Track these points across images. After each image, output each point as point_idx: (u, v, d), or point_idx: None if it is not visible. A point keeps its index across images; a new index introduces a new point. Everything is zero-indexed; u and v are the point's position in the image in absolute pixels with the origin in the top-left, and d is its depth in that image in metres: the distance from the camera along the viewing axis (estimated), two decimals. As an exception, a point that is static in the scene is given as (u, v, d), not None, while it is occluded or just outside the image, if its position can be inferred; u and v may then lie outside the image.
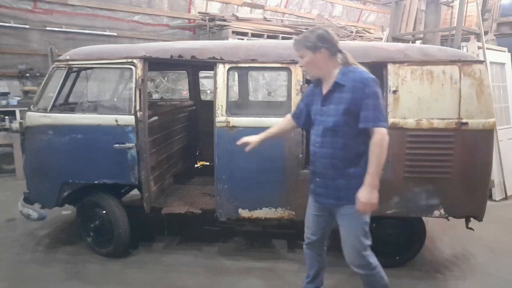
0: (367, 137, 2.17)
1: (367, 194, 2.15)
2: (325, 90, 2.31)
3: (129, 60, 3.24)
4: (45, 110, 3.36)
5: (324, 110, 2.30)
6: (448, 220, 3.21)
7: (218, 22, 9.20)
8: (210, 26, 9.41)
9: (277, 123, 2.75)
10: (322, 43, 2.20)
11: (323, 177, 2.35)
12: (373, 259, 2.38)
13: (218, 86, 3.16)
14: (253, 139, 2.67)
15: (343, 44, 2.36)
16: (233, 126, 3.14)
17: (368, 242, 2.35)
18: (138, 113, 3.19)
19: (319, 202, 2.46)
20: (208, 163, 5.12)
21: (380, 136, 2.12)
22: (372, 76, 2.19)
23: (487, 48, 5.45)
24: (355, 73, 2.21)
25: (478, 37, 5.93)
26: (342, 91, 2.21)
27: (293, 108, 3.08)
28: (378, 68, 3.11)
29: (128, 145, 3.20)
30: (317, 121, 2.34)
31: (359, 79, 2.17)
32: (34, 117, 3.36)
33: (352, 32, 10.95)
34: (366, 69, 2.27)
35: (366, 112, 2.14)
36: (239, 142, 2.72)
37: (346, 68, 2.25)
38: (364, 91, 2.14)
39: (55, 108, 3.41)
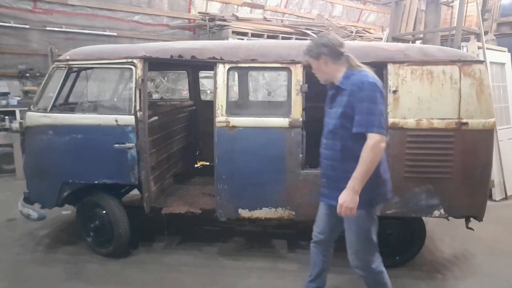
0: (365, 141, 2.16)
1: (345, 197, 2.15)
2: (331, 93, 2.37)
3: (129, 60, 3.24)
4: (45, 110, 3.36)
5: (330, 112, 2.35)
6: (448, 220, 3.21)
7: (218, 22, 9.20)
8: (210, 26, 9.41)
9: None
10: (322, 50, 2.24)
11: (327, 178, 2.39)
12: (377, 264, 2.38)
13: (218, 86, 3.16)
14: None
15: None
16: (233, 126, 3.14)
17: (371, 246, 2.34)
18: (138, 113, 3.19)
19: (324, 202, 2.48)
20: (208, 163, 5.12)
21: (371, 142, 2.09)
22: (371, 80, 2.16)
23: (487, 48, 5.45)
24: (356, 76, 2.21)
25: (478, 37, 5.93)
26: (342, 95, 2.23)
27: (293, 108, 3.09)
28: (378, 68, 3.11)
29: (128, 145, 3.20)
30: (325, 123, 2.40)
31: (356, 82, 2.17)
32: (34, 117, 3.36)
33: (352, 32, 10.95)
34: (370, 71, 2.24)
35: (359, 116, 2.13)
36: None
37: (350, 71, 2.25)
38: (359, 95, 2.13)
39: (55, 108, 3.41)
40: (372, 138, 2.09)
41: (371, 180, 2.16)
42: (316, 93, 3.97)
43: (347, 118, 2.19)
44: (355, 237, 2.34)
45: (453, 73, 2.97)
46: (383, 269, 2.43)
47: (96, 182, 3.33)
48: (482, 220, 3.14)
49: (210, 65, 3.24)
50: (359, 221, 2.27)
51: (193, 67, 5.01)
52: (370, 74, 2.21)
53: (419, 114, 2.97)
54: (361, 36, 11.04)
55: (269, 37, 9.46)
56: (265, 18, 10.64)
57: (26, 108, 3.57)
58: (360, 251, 2.35)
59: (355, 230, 2.33)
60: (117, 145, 3.21)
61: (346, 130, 2.21)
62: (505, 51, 5.92)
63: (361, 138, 2.15)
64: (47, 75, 3.49)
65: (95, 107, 3.75)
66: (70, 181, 3.36)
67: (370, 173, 2.12)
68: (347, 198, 2.14)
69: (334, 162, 2.30)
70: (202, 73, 5.81)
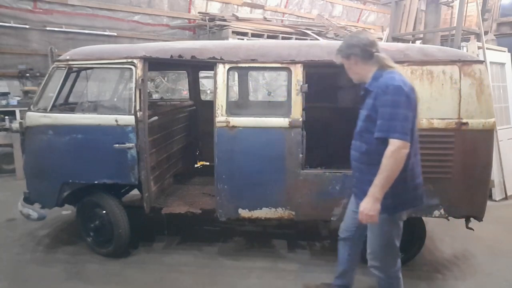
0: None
1: (365, 204, 2.12)
2: (362, 93, 2.35)
3: (129, 60, 3.24)
4: (45, 110, 3.36)
5: (360, 113, 2.34)
6: (448, 220, 3.21)
7: (218, 22, 9.20)
8: (210, 26, 9.41)
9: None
10: (351, 50, 2.23)
11: (355, 178, 2.40)
12: (395, 270, 2.36)
13: (218, 86, 3.16)
14: None
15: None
16: (233, 126, 3.14)
17: (391, 250, 2.31)
18: (138, 113, 3.19)
19: (355, 200, 2.48)
20: (208, 163, 5.12)
21: (392, 148, 2.02)
22: (396, 83, 2.07)
23: (487, 48, 5.45)
24: (383, 78, 2.15)
25: (478, 37, 5.93)
26: (370, 97, 2.20)
27: (293, 108, 3.10)
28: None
29: (128, 145, 3.20)
30: (357, 124, 2.37)
31: (381, 85, 2.11)
32: (34, 117, 3.36)
33: (352, 32, 10.94)
34: (400, 73, 2.19)
35: (381, 121, 2.08)
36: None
37: (380, 72, 2.20)
38: (382, 99, 2.08)
39: (55, 108, 3.41)
40: (393, 144, 2.02)
41: (395, 186, 2.10)
42: (316, 93, 3.99)
43: (372, 121, 2.15)
44: (376, 239, 2.32)
45: (453, 73, 2.97)
46: (400, 276, 2.40)
47: (96, 182, 3.33)
48: (482, 220, 3.14)
49: (210, 65, 3.24)
50: (381, 225, 2.22)
51: (193, 67, 5.01)
52: (397, 76, 2.14)
53: (419, 114, 2.95)
54: (361, 36, 11.02)
55: (269, 37, 9.46)
56: (265, 18, 10.64)
57: (26, 108, 3.57)
58: (379, 253, 2.33)
59: (376, 232, 2.30)
60: (117, 145, 3.21)
61: (371, 133, 2.16)
62: (505, 51, 5.92)
63: (385, 143, 2.08)
64: (47, 75, 3.49)
65: (95, 107, 3.75)
66: (70, 181, 3.36)
67: (391, 180, 2.05)
68: (367, 205, 2.11)
69: (360, 164, 2.29)
70: (202, 73, 5.81)
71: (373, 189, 2.09)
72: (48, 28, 8.14)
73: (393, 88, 2.06)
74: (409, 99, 2.08)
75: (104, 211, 3.43)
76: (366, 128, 2.21)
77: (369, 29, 12.30)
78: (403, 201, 2.23)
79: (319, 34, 10.13)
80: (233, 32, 8.92)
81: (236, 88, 5.43)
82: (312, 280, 3.13)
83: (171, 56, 3.25)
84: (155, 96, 8.20)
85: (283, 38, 9.41)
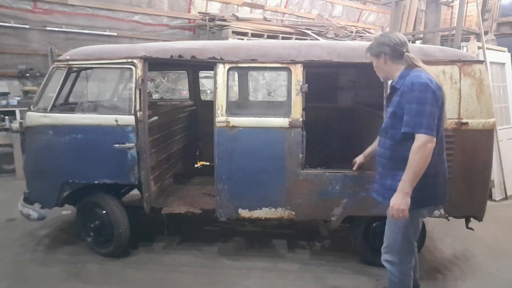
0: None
1: (395, 199, 2.17)
2: (389, 91, 2.41)
3: (129, 60, 3.24)
4: (45, 110, 3.36)
5: (386, 111, 2.43)
6: (448, 220, 3.21)
7: (218, 22, 9.20)
8: (210, 26, 9.41)
9: None
10: (382, 48, 2.29)
11: (378, 173, 2.44)
12: (406, 267, 2.39)
13: (218, 86, 3.16)
14: (359, 159, 2.96)
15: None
16: (233, 126, 3.14)
17: (405, 245, 2.35)
18: (138, 113, 3.19)
19: (373, 197, 2.50)
20: (208, 163, 5.12)
21: (418, 143, 2.08)
22: (422, 81, 2.12)
23: (487, 48, 5.45)
24: (410, 76, 2.20)
25: (478, 37, 5.93)
26: (396, 94, 2.26)
27: (293, 108, 3.10)
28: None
29: (128, 145, 3.20)
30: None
31: (407, 83, 2.17)
32: (34, 117, 3.36)
33: (352, 32, 10.94)
34: (427, 71, 2.22)
35: (407, 116, 2.13)
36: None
37: (407, 71, 2.25)
38: (408, 96, 2.13)
39: (55, 108, 3.41)
40: (419, 140, 2.08)
41: (392, 175, 2.21)
42: (316, 93, 3.99)
43: (396, 118, 2.21)
44: (392, 233, 2.37)
45: (453, 73, 2.97)
46: (412, 274, 2.43)
47: (96, 182, 3.33)
48: (482, 220, 3.15)
49: (210, 65, 3.24)
50: (399, 219, 2.26)
51: (193, 67, 5.01)
52: (424, 74, 2.18)
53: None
54: (361, 36, 11.02)
55: (269, 37, 9.45)
56: (265, 18, 10.64)
57: (26, 108, 3.57)
58: (394, 247, 2.38)
59: (393, 226, 2.35)
60: (117, 145, 3.21)
61: (396, 130, 2.22)
62: (505, 51, 5.92)
63: (410, 139, 2.13)
64: (47, 75, 3.48)
65: (95, 107, 3.74)
66: (70, 181, 3.36)
67: (418, 175, 2.11)
68: (397, 200, 2.15)
69: (384, 160, 2.34)
70: (202, 73, 5.81)
71: (402, 185, 2.15)
72: (48, 28, 8.13)
73: (419, 85, 2.11)
74: (435, 96, 2.12)
75: (104, 211, 3.43)
76: (391, 124, 2.26)
77: (369, 29, 12.29)
78: (423, 198, 2.25)
79: (319, 34, 10.13)
80: (233, 32, 8.92)
81: (236, 88, 5.43)
82: (310, 280, 3.14)
83: (171, 56, 3.25)
84: (155, 96, 8.20)
85: (283, 38, 9.40)
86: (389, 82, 2.98)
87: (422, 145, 2.07)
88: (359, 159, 2.97)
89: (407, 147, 2.14)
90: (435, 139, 2.10)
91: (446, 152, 2.96)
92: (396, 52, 2.26)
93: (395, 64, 2.30)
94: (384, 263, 2.44)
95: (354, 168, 2.99)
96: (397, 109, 2.21)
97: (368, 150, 2.92)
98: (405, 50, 2.26)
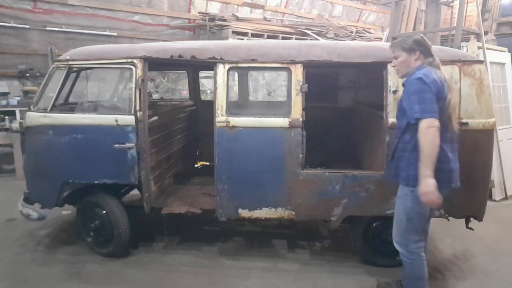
0: (410, 132, 2.38)
1: (422, 186, 2.26)
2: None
3: (129, 60, 3.24)
4: (45, 110, 3.36)
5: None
6: (448, 220, 3.21)
7: (218, 22, 9.20)
8: (210, 26, 9.41)
9: None
10: (418, 46, 2.45)
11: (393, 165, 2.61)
12: (416, 247, 2.50)
13: (218, 86, 3.16)
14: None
15: (352, 43, 2.46)
16: (233, 126, 3.14)
17: (413, 226, 2.48)
18: (138, 113, 3.19)
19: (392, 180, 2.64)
20: (208, 163, 5.12)
21: (423, 125, 2.24)
22: (418, 76, 2.32)
23: (487, 48, 5.45)
24: (414, 74, 2.38)
25: (478, 37, 5.93)
26: (404, 90, 2.47)
27: (293, 108, 3.10)
28: (378, 68, 3.11)
29: (128, 145, 3.20)
30: None
31: (408, 79, 2.39)
32: (34, 117, 3.36)
33: (352, 32, 10.95)
34: (430, 68, 2.39)
35: (411, 107, 2.31)
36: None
37: (420, 69, 2.40)
38: (408, 90, 2.36)
39: (55, 108, 3.41)
40: (421, 125, 2.25)
41: (414, 163, 2.32)
42: (316, 93, 3.99)
43: (400, 111, 2.48)
44: (397, 213, 2.55)
45: (453, 73, 2.97)
46: (423, 255, 2.55)
47: (96, 182, 3.33)
48: (482, 220, 3.15)
49: (210, 65, 3.24)
50: (404, 199, 2.46)
51: (193, 67, 5.01)
52: (425, 70, 2.36)
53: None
54: (361, 36, 11.03)
55: (269, 37, 9.45)
56: (265, 18, 10.64)
57: (26, 108, 3.57)
58: (401, 227, 2.52)
59: (399, 206, 2.53)
60: (117, 145, 3.21)
61: (400, 122, 2.48)
62: (505, 51, 5.91)
63: (410, 130, 2.36)
64: (47, 75, 3.48)
65: (95, 107, 3.74)
66: (70, 181, 3.36)
67: (432, 156, 2.22)
68: (422, 186, 2.25)
69: (401, 144, 2.49)
70: (202, 73, 5.81)
71: (421, 171, 2.26)
72: (48, 28, 8.14)
73: (415, 79, 2.32)
74: (430, 87, 2.29)
75: (104, 211, 3.43)
76: (398, 116, 2.52)
77: (369, 29, 12.30)
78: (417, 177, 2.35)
79: (319, 34, 10.13)
80: (233, 32, 8.92)
81: (236, 88, 5.43)
82: (310, 280, 3.14)
83: (171, 56, 3.25)
84: (155, 96, 8.20)
85: (283, 38, 9.41)
86: (390, 82, 3.00)
87: (424, 129, 2.23)
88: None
89: (408, 136, 2.40)
90: (436, 120, 2.23)
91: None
92: (428, 53, 2.45)
93: (419, 62, 2.44)
94: (395, 245, 2.59)
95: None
96: (400, 103, 2.47)
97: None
98: (433, 53, 2.48)
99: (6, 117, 6.90)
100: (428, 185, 2.22)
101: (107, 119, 3.25)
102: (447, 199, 2.43)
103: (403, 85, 2.47)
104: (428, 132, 2.22)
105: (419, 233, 2.51)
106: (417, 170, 2.29)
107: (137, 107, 3.19)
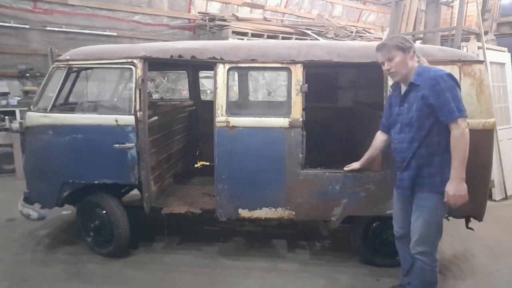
0: (439, 133, 2.30)
1: (453, 187, 2.24)
2: (403, 91, 2.48)
3: (129, 60, 3.24)
4: (45, 110, 3.36)
5: (400, 109, 2.47)
6: (448, 220, 3.21)
7: (218, 22, 9.20)
8: (210, 26, 9.41)
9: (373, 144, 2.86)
10: (410, 44, 2.40)
11: (400, 171, 2.50)
12: (435, 254, 2.45)
13: (218, 86, 3.16)
14: (355, 165, 3.00)
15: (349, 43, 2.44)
16: (233, 126, 3.14)
17: (439, 233, 2.43)
18: (138, 113, 3.19)
19: (399, 193, 2.57)
20: (208, 163, 5.12)
21: (462, 125, 2.20)
22: (447, 72, 2.30)
23: (487, 48, 5.45)
24: (429, 72, 2.33)
25: (478, 37, 5.93)
26: (416, 90, 2.35)
27: (293, 108, 3.10)
28: (378, 68, 3.10)
29: (128, 145, 3.20)
30: (396, 121, 2.52)
31: (431, 77, 2.29)
32: (34, 117, 3.36)
33: (352, 32, 10.95)
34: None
35: (446, 106, 2.22)
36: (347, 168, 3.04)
37: (423, 68, 2.39)
38: (437, 88, 2.24)
39: (55, 108, 3.41)
40: (460, 124, 2.20)
41: (444, 166, 2.30)
42: (316, 93, 3.99)
43: (422, 111, 2.31)
44: (427, 223, 2.39)
45: (453, 73, 2.96)
46: (437, 259, 2.51)
47: (96, 182, 3.33)
48: (482, 220, 3.15)
49: (210, 65, 3.24)
50: (435, 208, 2.36)
51: (193, 67, 5.01)
52: (435, 69, 2.36)
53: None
54: (361, 36, 11.04)
55: (269, 37, 9.45)
56: (265, 18, 10.64)
57: (26, 108, 3.57)
58: (428, 237, 2.41)
59: (427, 216, 2.39)
60: (117, 145, 3.21)
61: (422, 123, 2.32)
62: (505, 51, 5.91)
63: (437, 131, 2.30)
64: (47, 75, 3.48)
65: (95, 107, 3.74)
66: (70, 181, 3.36)
67: (466, 158, 2.21)
68: (456, 187, 2.23)
69: (408, 155, 2.40)
70: (202, 73, 5.81)
71: (454, 172, 2.23)
72: (48, 28, 8.14)
73: (446, 75, 2.26)
74: (459, 84, 2.31)
75: (104, 211, 3.43)
76: (417, 117, 2.34)
77: (369, 29, 12.29)
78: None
79: (319, 34, 10.13)
80: (233, 32, 8.92)
81: (236, 88, 5.43)
82: (310, 280, 3.14)
83: (171, 56, 3.25)
84: (155, 96, 8.20)
85: (283, 38, 9.41)
86: (390, 82, 3.00)
87: (463, 129, 2.20)
88: (354, 166, 3.01)
89: (432, 138, 2.31)
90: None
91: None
92: (414, 50, 2.41)
93: (414, 61, 2.40)
94: (417, 256, 2.46)
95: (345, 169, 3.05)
96: (423, 103, 2.29)
97: (365, 157, 2.93)
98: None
99: (6, 117, 6.91)
100: (464, 188, 2.23)
101: (107, 119, 3.25)
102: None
103: (413, 83, 2.36)
104: (467, 132, 2.21)
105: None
106: (449, 173, 2.26)
107: (137, 107, 3.19)
